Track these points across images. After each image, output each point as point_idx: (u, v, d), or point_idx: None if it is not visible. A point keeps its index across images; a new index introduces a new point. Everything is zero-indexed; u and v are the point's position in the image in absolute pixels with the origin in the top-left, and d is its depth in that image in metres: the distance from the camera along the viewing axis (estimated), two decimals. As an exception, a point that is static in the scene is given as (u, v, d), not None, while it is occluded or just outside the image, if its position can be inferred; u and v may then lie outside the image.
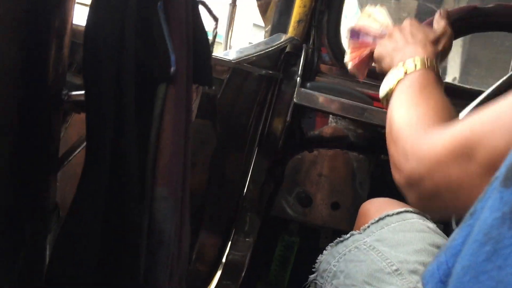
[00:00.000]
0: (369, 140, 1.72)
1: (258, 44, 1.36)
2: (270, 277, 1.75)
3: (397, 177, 0.64)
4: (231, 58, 1.16)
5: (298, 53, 1.62)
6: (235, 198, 1.68)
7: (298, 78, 1.59)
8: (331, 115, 1.70)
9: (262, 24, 1.78)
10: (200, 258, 1.50)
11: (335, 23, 1.69)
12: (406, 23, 0.93)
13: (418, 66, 0.79)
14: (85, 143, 0.54)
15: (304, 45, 1.63)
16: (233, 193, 1.66)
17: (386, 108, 0.82)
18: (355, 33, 1.00)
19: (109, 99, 0.43)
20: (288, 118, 1.62)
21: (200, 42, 0.48)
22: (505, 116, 0.47)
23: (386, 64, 0.90)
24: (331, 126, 1.74)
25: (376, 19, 1.00)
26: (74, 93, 0.52)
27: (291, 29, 1.61)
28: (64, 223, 0.46)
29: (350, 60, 1.00)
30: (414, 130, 0.64)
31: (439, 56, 0.86)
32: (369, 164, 1.73)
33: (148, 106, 0.43)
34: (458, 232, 0.35)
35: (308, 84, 1.63)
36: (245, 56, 1.20)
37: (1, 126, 0.47)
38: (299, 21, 1.61)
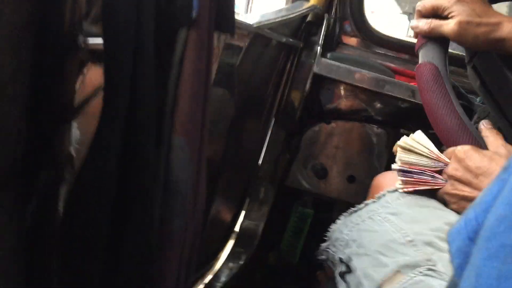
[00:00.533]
0: (388, 113, 1.69)
1: (280, 11, 1.33)
2: (283, 247, 1.76)
3: None
4: (251, 23, 1.14)
5: (319, 23, 1.59)
6: (251, 167, 1.68)
7: (319, 48, 1.56)
8: (351, 87, 1.67)
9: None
10: (214, 225, 1.50)
11: (359, -8, 1.65)
12: (461, 155, 0.82)
13: None
14: (101, 93, 0.53)
15: (326, 15, 1.59)
16: (249, 162, 1.66)
17: None
18: (407, 172, 0.91)
19: (128, 43, 0.41)
20: (306, 89, 1.60)
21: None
22: None
23: (462, 208, 0.82)
24: (350, 99, 1.71)
25: (419, 151, 0.89)
26: (91, 40, 0.50)
27: (314, -3, 1.58)
28: (80, 170, 0.46)
29: (404, 189, 0.93)
30: None
31: None
32: (388, 138, 1.70)
33: (168, 51, 0.42)
34: (489, 188, 0.34)
35: (329, 55, 1.60)
36: (267, 21, 1.17)
37: (16, 71, 0.46)
38: (322, -11, 1.57)
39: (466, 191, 0.81)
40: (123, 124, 0.44)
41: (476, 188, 0.78)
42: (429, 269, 0.85)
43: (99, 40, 0.51)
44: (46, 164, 0.52)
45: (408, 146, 0.90)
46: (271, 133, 1.69)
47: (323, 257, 1.07)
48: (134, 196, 0.44)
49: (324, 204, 1.83)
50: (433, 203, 0.98)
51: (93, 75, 0.58)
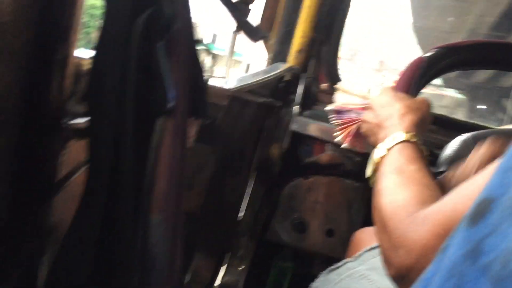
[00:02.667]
0: (365, 168, 1.73)
1: (257, 74, 1.39)
2: (263, 303, 1.75)
3: (388, 270, 0.63)
4: (230, 87, 1.19)
5: (296, 82, 1.65)
6: (231, 222, 1.69)
7: (296, 106, 1.62)
8: (328, 143, 1.72)
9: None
10: (194, 281, 1.50)
11: (334, 53, 1.73)
12: (382, 92, 0.93)
13: (395, 142, 0.79)
14: (82, 169, 0.56)
15: (303, 74, 1.66)
16: (228, 217, 1.67)
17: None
18: (337, 113, 1.01)
19: (110, 128, 0.45)
20: (284, 145, 1.64)
21: (197, 77, 0.51)
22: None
23: (373, 141, 0.90)
24: (327, 154, 1.75)
25: (353, 93, 1.03)
26: (74, 121, 0.54)
27: (291, 58, 1.65)
28: (60, 244, 0.48)
29: (341, 139, 1.01)
30: (398, 220, 0.63)
31: (419, 125, 0.84)
32: (365, 192, 1.74)
33: (147, 137, 0.46)
34: (431, 266, 0.37)
35: (306, 112, 1.66)
36: (244, 85, 1.23)
37: (2, 150, 0.49)
38: (299, 51, 1.65)
39: (371, 121, 0.92)
40: (104, 201, 0.47)
41: (377, 116, 0.90)
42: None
43: (81, 120, 0.55)
44: (29, 237, 0.54)
45: (345, 88, 1.01)
46: (251, 187, 1.71)
47: (302, 316, 1.08)
48: (112, 272, 0.46)
49: (305, 257, 1.84)
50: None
51: (75, 151, 0.61)
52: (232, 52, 1.63)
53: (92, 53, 0.47)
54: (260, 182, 1.72)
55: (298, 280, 1.74)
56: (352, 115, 1.00)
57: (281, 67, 1.53)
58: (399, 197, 0.67)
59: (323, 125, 1.63)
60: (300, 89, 1.63)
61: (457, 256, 0.32)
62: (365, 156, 1.67)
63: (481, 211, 0.32)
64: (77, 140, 0.57)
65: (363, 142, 1.01)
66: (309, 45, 1.66)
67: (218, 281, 1.64)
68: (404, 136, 0.79)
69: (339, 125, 1.01)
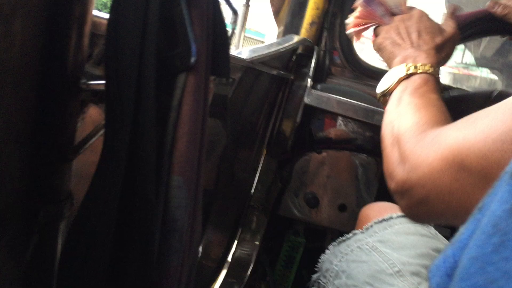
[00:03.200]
0: (377, 142, 1.71)
1: (271, 45, 1.37)
2: (275, 276, 1.76)
3: (390, 183, 0.65)
4: (244, 57, 1.17)
5: (309, 55, 1.63)
6: (243, 196, 1.69)
7: (309, 80, 1.60)
8: (340, 117, 1.70)
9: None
10: (207, 255, 1.51)
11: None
12: (416, 15, 0.90)
13: (420, 71, 0.79)
14: (101, 132, 0.55)
15: (316, 47, 1.64)
16: (241, 192, 1.67)
17: (383, 105, 0.83)
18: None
19: (130, 87, 0.44)
20: (297, 119, 1.63)
21: (219, 34, 0.49)
22: (497, 125, 0.48)
23: (386, 56, 0.90)
24: (340, 128, 1.74)
25: None
26: (92, 82, 0.53)
27: (303, 31, 1.63)
28: (80, 206, 0.48)
29: (352, 25, 0.96)
30: (411, 138, 0.64)
31: (441, 63, 0.86)
32: (377, 167, 1.73)
33: (167, 95, 0.45)
34: (465, 227, 0.36)
35: (319, 86, 1.64)
36: (258, 55, 1.20)
37: (20, 112, 0.48)
38: (311, 23, 1.62)
39: (392, 39, 0.89)
40: (124, 163, 0.46)
41: (404, 38, 0.88)
42: (416, 300, 0.87)
43: (100, 82, 0.53)
44: (47, 201, 0.53)
45: None
46: (263, 162, 1.71)
47: (314, 288, 1.08)
48: (133, 233, 0.46)
49: (316, 232, 1.85)
50: (420, 230, 1.01)
51: (94, 114, 0.60)
52: (243, 27, 1.59)
53: (111, 9, 0.46)
54: (272, 156, 1.71)
55: (310, 255, 1.74)
56: (379, 11, 0.92)
57: (295, 39, 1.50)
58: (418, 116, 0.69)
59: (336, 98, 1.61)
60: (313, 62, 1.61)
61: (501, 212, 0.30)
62: (377, 131, 1.66)
63: None
64: (95, 103, 0.56)
65: (360, 36, 0.99)
66: (322, 17, 1.63)
67: (230, 256, 1.64)
68: (431, 69, 0.79)
69: (361, 10, 0.94)
